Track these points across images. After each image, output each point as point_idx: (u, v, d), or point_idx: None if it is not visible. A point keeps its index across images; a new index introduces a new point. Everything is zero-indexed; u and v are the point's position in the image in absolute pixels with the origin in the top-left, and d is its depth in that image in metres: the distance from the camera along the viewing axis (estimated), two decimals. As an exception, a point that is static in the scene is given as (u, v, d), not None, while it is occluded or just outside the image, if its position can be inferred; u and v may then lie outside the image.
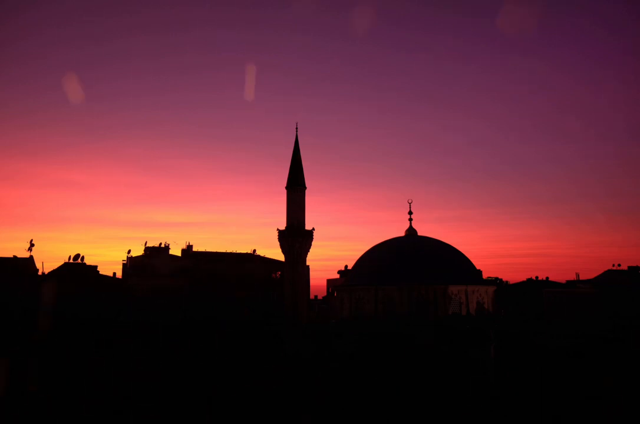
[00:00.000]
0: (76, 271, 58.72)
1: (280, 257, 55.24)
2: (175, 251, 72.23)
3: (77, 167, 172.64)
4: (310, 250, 52.83)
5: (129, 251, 68.68)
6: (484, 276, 67.28)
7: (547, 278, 73.70)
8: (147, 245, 69.55)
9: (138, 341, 32.52)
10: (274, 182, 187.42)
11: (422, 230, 61.31)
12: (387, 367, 30.17)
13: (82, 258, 60.71)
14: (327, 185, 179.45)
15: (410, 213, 61.07)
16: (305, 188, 53.66)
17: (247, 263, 70.73)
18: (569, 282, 75.17)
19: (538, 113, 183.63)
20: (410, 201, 61.16)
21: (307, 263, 56.00)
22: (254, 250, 75.17)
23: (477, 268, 59.77)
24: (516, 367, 31.06)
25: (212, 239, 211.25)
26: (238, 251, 73.74)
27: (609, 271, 79.91)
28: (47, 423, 24.91)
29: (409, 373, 29.63)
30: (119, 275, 67.53)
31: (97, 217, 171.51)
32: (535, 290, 66.40)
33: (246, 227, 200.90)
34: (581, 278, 79.05)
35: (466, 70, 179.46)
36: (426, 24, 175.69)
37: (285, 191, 53.67)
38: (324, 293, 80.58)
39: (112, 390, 26.82)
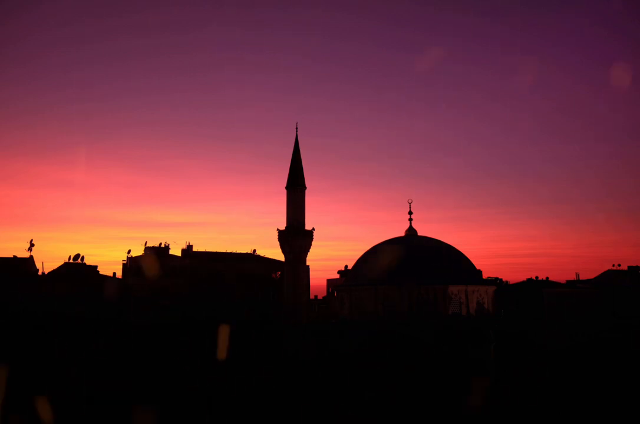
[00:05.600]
0: (76, 271, 58.74)
1: (280, 257, 55.29)
2: (175, 251, 72.28)
3: (77, 167, 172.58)
4: (310, 250, 52.85)
5: (129, 251, 68.71)
6: (484, 276, 67.23)
7: (547, 278, 73.64)
8: (147, 245, 69.60)
9: (138, 341, 32.53)
10: (274, 182, 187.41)
11: (422, 230, 61.29)
12: (387, 367, 30.18)
13: (82, 258, 60.75)
14: (327, 185, 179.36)
15: (410, 213, 61.08)
16: (305, 188, 53.66)
17: (247, 263, 70.72)
18: (569, 282, 75.13)
19: (538, 113, 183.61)
20: (410, 201, 61.15)
21: (307, 263, 56.03)
22: (254, 250, 75.23)
23: (477, 268, 59.76)
24: (516, 367, 31.08)
25: (212, 239, 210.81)
26: (238, 251, 73.83)
27: (609, 271, 79.94)
28: None
29: (409, 373, 29.65)
30: (119, 275, 67.55)
31: (97, 217, 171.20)
32: (535, 290, 66.35)
33: (246, 227, 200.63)
34: (581, 278, 79.13)
35: (466, 70, 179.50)
36: (426, 24, 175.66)
37: (285, 191, 53.69)
38: (324, 293, 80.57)
39: (112, 390, 26.83)
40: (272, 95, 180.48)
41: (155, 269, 60.96)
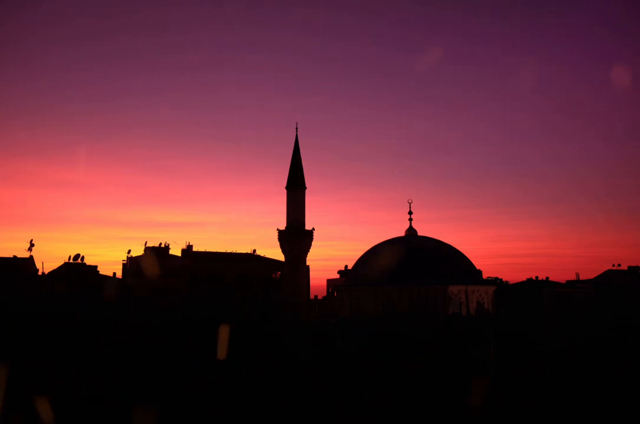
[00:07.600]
0: (76, 271, 58.71)
1: (280, 257, 55.25)
2: (175, 251, 72.23)
3: (77, 167, 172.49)
4: (310, 250, 52.78)
5: (129, 251, 68.66)
6: (484, 276, 67.21)
7: (547, 278, 73.61)
8: (147, 245, 69.56)
9: (138, 341, 32.53)
10: (274, 182, 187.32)
11: (422, 230, 61.33)
12: (387, 367, 30.20)
13: (82, 258, 60.68)
14: (327, 185, 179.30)
15: (410, 213, 61.11)
16: (305, 188, 53.65)
17: (247, 263, 70.67)
18: (569, 282, 75.14)
19: (538, 113, 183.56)
20: (410, 201, 61.20)
21: (307, 263, 55.97)
22: (254, 250, 75.13)
23: (477, 268, 59.76)
24: (516, 367, 31.10)
25: (212, 239, 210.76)
26: (238, 251, 73.77)
27: (609, 271, 79.92)
28: None
29: (409, 373, 29.65)
30: (119, 275, 67.52)
31: (97, 217, 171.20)
32: (535, 290, 66.33)
33: (246, 227, 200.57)
34: (581, 278, 79.12)
35: (466, 70, 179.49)
36: (426, 24, 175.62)
37: (285, 191, 53.70)
38: (324, 293, 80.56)
39: (112, 390, 26.84)
40: (272, 95, 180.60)
41: (155, 269, 60.92)
